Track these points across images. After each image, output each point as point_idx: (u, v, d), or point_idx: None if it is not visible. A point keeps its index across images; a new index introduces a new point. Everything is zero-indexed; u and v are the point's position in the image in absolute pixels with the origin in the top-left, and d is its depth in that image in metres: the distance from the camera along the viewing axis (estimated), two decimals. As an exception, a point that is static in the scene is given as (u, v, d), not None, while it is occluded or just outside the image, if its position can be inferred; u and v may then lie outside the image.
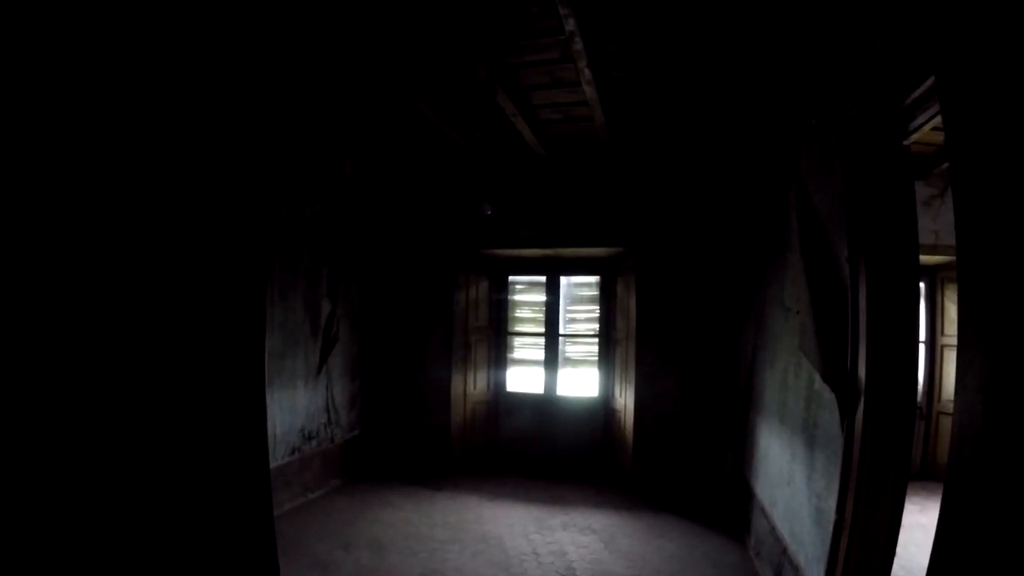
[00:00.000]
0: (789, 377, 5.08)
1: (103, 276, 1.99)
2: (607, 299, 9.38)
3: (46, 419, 1.83)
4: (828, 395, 3.86)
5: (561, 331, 10.04)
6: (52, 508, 1.85)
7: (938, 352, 8.47)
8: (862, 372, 3.41)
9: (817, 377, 4.11)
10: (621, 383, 8.63)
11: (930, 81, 2.97)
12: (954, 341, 7.97)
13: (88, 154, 1.93)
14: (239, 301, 2.54)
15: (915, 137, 3.47)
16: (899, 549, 3.53)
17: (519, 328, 10.36)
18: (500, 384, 9.85)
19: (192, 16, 2.29)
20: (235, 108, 2.55)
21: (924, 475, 8.28)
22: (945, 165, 6.26)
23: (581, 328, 13.35)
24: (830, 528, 3.65)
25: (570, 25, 4.44)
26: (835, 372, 3.72)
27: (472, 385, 9.28)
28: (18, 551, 1.74)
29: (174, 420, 2.25)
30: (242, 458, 2.57)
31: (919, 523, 6.49)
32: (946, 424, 8.27)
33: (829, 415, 3.90)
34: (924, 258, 6.29)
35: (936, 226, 7.14)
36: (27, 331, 1.78)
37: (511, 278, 9.91)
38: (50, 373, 1.84)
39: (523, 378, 10.91)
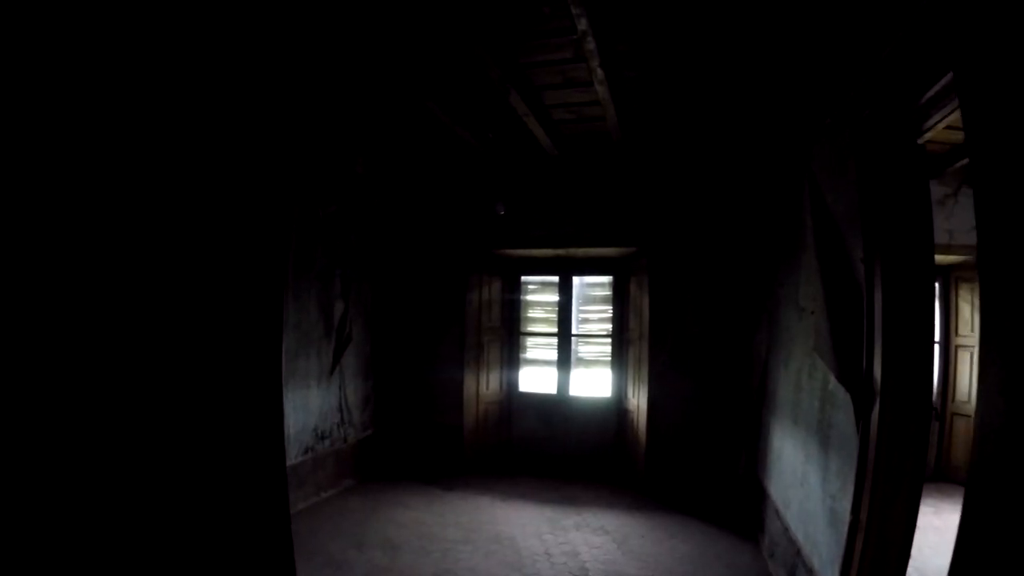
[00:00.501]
0: (803, 377, 5.06)
1: (127, 278, 2.01)
2: (620, 299, 9.37)
3: (68, 419, 1.84)
4: (843, 396, 3.84)
5: (574, 331, 10.05)
6: (73, 506, 1.87)
7: (952, 353, 8.41)
8: (877, 373, 3.39)
9: (831, 378, 4.08)
10: (634, 383, 8.61)
11: (945, 79, 2.95)
12: (968, 341, 7.95)
13: (111, 159, 1.95)
14: (257, 302, 2.55)
15: (929, 136, 3.45)
16: (912, 551, 3.50)
17: (531, 328, 10.37)
18: (513, 384, 9.84)
19: (202, 17, 2.30)
20: (253, 112, 2.56)
21: (938, 477, 8.23)
22: (959, 164, 6.23)
23: (594, 328, 13.35)
24: (845, 529, 3.62)
25: (582, 25, 4.44)
26: (850, 373, 3.69)
27: (485, 385, 9.28)
28: (33, 548, 1.75)
29: (194, 421, 2.26)
30: (260, 458, 2.58)
31: (932, 525, 6.45)
32: (960, 425, 8.22)
33: (844, 416, 3.88)
34: (938, 258, 6.26)
35: (950, 225, 7.11)
36: (54, 332, 1.80)
37: (523, 278, 9.91)
38: (74, 373, 1.86)
39: (536, 378, 10.92)
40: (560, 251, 8.80)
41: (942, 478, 8.23)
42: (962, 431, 8.18)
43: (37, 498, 1.77)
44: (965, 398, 8.18)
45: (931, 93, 3.11)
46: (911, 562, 3.51)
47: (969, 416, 8.07)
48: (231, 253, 2.43)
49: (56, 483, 1.82)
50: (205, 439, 2.31)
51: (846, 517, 3.63)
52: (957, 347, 8.38)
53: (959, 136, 5.66)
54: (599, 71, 5.27)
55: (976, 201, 2.01)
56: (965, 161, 6.21)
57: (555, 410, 9.48)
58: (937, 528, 6.44)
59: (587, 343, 13.71)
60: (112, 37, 1.95)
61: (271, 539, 2.64)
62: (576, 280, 10.36)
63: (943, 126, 3.32)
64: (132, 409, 2.04)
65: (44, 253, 1.77)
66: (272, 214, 2.62)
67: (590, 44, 4.76)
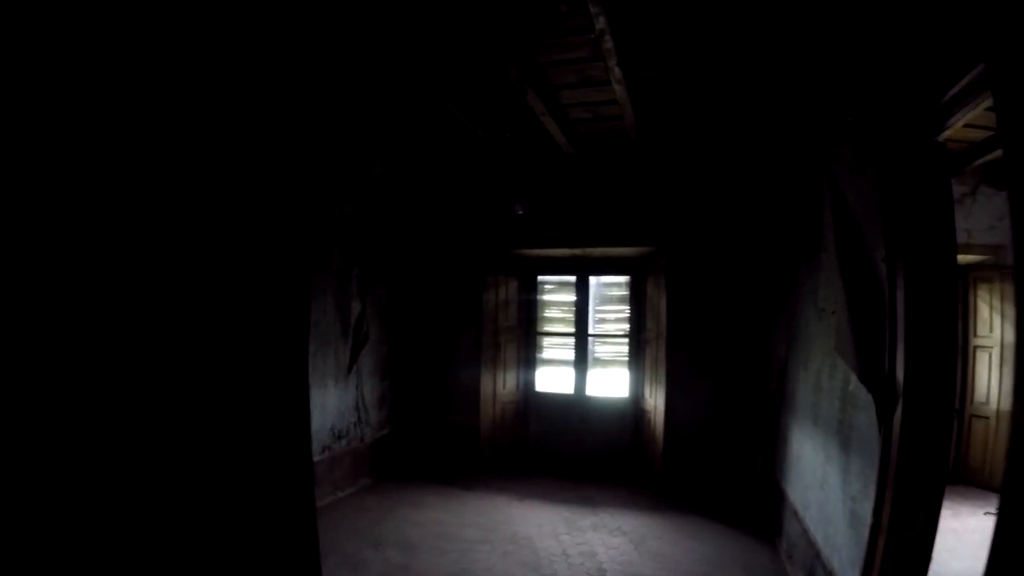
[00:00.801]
0: (823, 378, 5.02)
1: (165, 280, 2.05)
2: (637, 299, 9.34)
3: (110, 413, 1.87)
4: (864, 397, 3.81)
5: (590, 331, 10.01)
6: (121, 497, 1.90)
7: (971, 354, 8.32)
8: (900, 374, 3.36)
9: (852, 378, 4.05)
10: (651, 384, 8.58)
11: (969, 77, 2.92)
12: (987, 342, 7.88)
13: (155, 169, 1.99)
14: (286, 303, 2.58)
15: (947, 134, 3.42)
16: (933, 554, 3.47)
17: (548, 328, 10.34)
18: (529, 384, 9.84)
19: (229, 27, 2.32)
20: (278, 114, 2.58)
21: (955, 479, 8.13)
22: (977, 162, 6.19)
23: (610, 328, 13.28)
24: (866, 531, 3.59)
25: (600, 23, 4.42)
26: (872, 373, 3.66)
27: (501, 385, 9.28)
28: (72, 539, 1.78)
29: (226, 420, 2.29)
30: (287, 458, 2.61)
31: (950, 528, 6.38)
32: (979, 427, 8.12)
33: (865, 417, 3.85)
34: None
35: (968, 224, 7.06)
36: (100, 332, 1.84)
37: (540, 278, 9.90)
38: (115, 370, 1.90)
39: (552, 378, 10.89)
40: (577, 251, 8.79)
41: (959, 480, 8.13)
42: (980, 433, 8.09)
43: (83, 490, 1.80)
44: (984, 399, 8.09)
45: (955, 91, 3.08)
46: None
47: (987, 418, 7.99)
48: (262, 256, 2.46)
49: (107, 475, 1.86)
50: (236, 439, 2.33)
51: (867, 519, 3.60)
52: (976, 348, 8.27)
53: (977, 134, 5.63)
54: (617, 70, 5.25)
55: (1011, 195, 1.98)
56: (984, 159, 6.17)
57: (572, 410, 9.47)
58: (955, 531, 6.37)
59: (604, 343, 13.67)
60: (160, 49, 1.98)
61: (298, 535, 2.66)
62: (593, 280, 10.34)
63: (961, 124, 3.29)
64: (168, 408, 2.07)
65: (94, 255, 1.82)
66: (299, 218, 2.65)
67: (608, 43, 4.74)
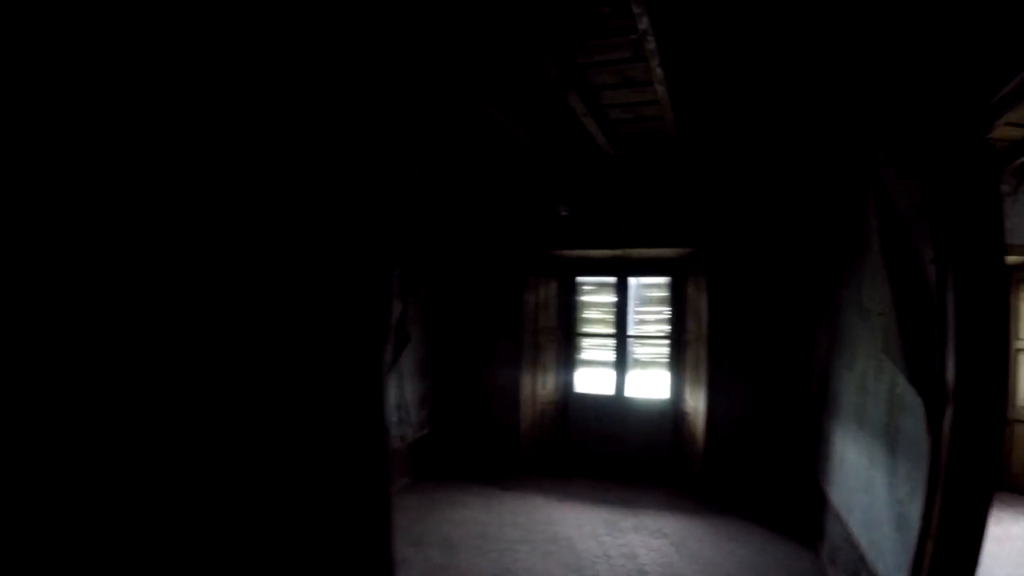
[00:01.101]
0: (868, 381, 4.97)
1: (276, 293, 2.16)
2: (677, 301, 9.29)
3: (189, 413, 1.95)
4: (912, 399, 3.76)
5: (630, 332, 9.99)
6: (206, 495, 1.98)
7: (1012, 356, 8.14)
8: (950, 376, 3.32)
9: (900, 381, 4.01)
10: (691, 385, 8.54)
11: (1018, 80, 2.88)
12: (1029, 345, 7.71)
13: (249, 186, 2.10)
14: (372, 301, 2.72)
15: (991, 134, 3.38)
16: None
17: (588, 329, 10.32)
18: (569, 385, 9.85)
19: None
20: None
21: (996, 485, 7.97)
22: (1019, 161, 6.07)
23: (650, 330, 13.22)
24: (914, 536, 3.55)
25: (643, 24, 4.41)
26: (921, 376, 3.62)
27: (541, 386, 9.29)
28: (159, 531, 1.85)
29: (315, 421, 2.36)
30: (370, 448, 2.70)
31: (992, 534, 6.19)
32: (1020, 432, 7.94)
33: (913, 419, 3.80)
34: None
35: (1009, 224, 6.89)
36: (183, 333, 1.92)
37: (579, 279, 9.90)
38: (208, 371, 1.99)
39: (592, 379, 10.89)
40: (617, 252, 8.77)
41: (1000, 486, 7.94)
42: (1022, 438, 7.92)
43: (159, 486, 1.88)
44: (1027, 404, 7.95)
45: (1009, 88, 3.04)
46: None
47: (1030, 422, 7.86)
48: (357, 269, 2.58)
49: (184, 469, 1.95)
50: (322, 439, 2.41)
51: (915, 523, 3.56)
52: (1018, 351, 8.11)
53: (1018, 132, 5.52)
54: (659, 71, 5.24)
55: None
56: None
57: (611, 411, 9.46)
58: (997, 537, 6.26)
59: (644, 344, 13.63)
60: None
61: (376, 523, 2.75)
62: (632, 281, 10.31)
63: (1004, 123, 3.25)
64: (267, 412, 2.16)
65: (200, 264, 1.92)
66: (390, 223, 2.79)
67: (650, 43, 4.73)
